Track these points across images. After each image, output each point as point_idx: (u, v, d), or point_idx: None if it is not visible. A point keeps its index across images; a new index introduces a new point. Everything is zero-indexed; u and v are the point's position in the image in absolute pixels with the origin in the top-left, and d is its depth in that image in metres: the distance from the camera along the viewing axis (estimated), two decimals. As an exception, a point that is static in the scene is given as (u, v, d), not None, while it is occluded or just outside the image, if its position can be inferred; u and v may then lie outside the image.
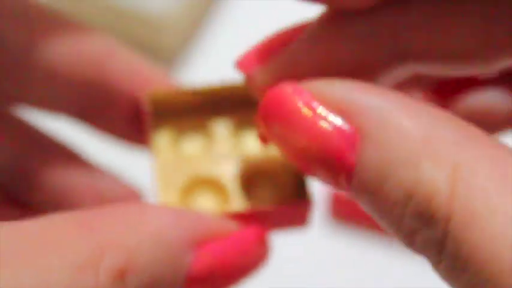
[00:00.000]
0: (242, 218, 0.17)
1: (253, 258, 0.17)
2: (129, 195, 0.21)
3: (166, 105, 0.18)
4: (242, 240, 0.16)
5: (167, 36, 0.37)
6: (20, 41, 0.18)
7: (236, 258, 0.16)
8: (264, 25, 0.40)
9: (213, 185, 0.18)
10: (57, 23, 0.19)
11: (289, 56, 0.15)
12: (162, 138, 0.18)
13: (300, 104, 0.14)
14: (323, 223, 0.34)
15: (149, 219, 0.15)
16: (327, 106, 0.14)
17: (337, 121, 0.14)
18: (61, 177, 0.20)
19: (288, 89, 0.14)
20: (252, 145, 0.19)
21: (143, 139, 0.20)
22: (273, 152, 0.17)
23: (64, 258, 0.13)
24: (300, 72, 0.15)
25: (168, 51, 0.37)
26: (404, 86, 0.16)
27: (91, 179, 0.21)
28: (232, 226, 0.17)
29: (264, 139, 0.16)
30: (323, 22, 0.15)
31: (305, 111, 0.14)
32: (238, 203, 0.17)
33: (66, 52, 0.18)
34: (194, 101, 0.19)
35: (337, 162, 0.13)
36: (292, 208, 0.18)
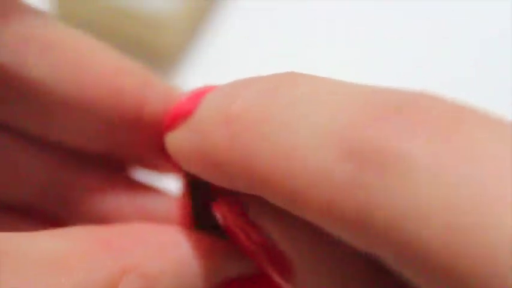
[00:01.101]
0: None
1: None
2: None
3: None
4: (272, 281, 0.15)
5: (167, 36, 0.37)
6: (48, 74, 0.16)
7: None
8: (263, 25, 0.40)
9: None
10: (89, 53, 0.17)
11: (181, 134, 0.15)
12: None
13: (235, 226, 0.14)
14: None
15: (178, 246, 0.14)
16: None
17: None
18: (103, 197, 0.18)
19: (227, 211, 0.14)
20: None
21: (171, 168, 0.18)
22: None
23: (78, 276, 0.12)
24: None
25: (168, 51, 0.37)
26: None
27: (137, 198, 0.18)
28: None
29: None
30: None
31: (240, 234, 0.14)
32: None
33: (99, 86, 0.17)
34: None
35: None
36: None
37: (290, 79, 0.13)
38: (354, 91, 0.11)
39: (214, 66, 0.37)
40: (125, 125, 0.17)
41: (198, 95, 0.14)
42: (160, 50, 0.37)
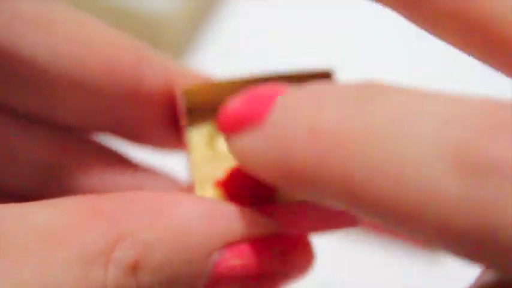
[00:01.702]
0: (285, 213, 0.15)
1: (291, 266, 0.15)
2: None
3: (202, 100, 0.17)
4: (281, 244, 0.14)
5: (167, 36, 0.37)
6: (43, 50, 0.16)
7: (271, 263, 0.14)
8: (264, 25, 0.40)
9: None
10: (83, 28, 0.17)
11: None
12: (198, 134, 0.17)
13: None
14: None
15: (175, 212, 0.13)
16: None
17: None
18: (101, 180, 0.18)
19: None
20: None
21: (180, 143, 0.18)
22: None
23: (71, 249, 0.12)
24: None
25: (169, 51, 0.37)
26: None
27: (136, 179, 0.18)
28: (272, 226, 0.14)
29: None
30: None
31: None
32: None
33: (96, 60, 0.16)
34: (231, 94, 0.17)
35: None
36: None
37: (379, 90, 0.12)
38: (456, 103, 0.11)
39: (215, 66, 0.37)
40: (124, 100, 0.17)
41: (268, 98, 0.13)
42: (160, 50, 0.37)
